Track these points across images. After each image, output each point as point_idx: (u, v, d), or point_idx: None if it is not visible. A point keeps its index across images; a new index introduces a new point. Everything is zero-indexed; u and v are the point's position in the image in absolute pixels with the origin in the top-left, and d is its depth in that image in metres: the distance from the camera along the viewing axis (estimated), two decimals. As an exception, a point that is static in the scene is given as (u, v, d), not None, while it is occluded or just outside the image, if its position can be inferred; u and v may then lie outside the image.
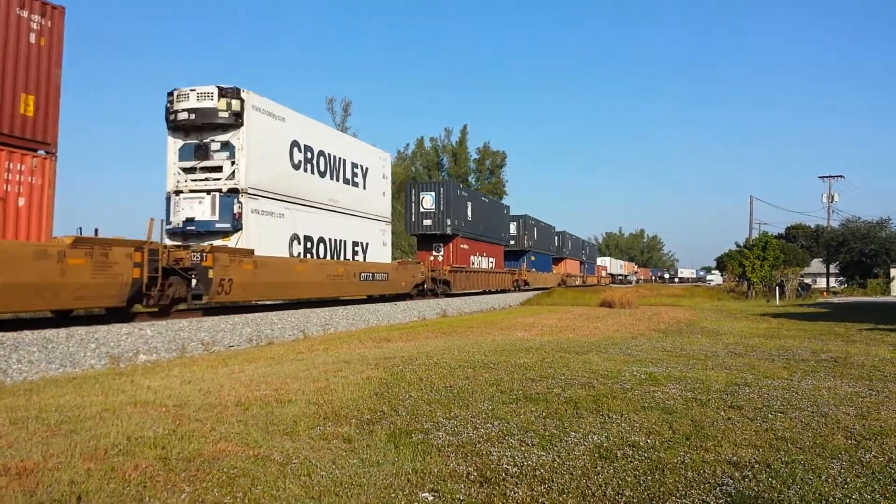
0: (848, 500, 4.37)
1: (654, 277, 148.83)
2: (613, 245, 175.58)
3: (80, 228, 13.42)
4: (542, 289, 50.68)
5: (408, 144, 78.45)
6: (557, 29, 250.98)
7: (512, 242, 48.69)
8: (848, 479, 4.77)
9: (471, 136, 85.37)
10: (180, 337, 13.78)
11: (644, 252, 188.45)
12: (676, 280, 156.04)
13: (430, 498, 4.44)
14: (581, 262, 76.59)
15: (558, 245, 64.85)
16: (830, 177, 67.69)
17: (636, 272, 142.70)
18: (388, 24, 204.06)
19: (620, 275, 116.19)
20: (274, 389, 7.97)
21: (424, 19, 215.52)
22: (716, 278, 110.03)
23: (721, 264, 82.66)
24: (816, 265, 77.48)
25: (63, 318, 14.47)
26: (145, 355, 12.30)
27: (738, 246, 56.85)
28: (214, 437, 5.70)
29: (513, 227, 49.10)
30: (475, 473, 4.92)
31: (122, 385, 8.59)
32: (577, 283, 71.37)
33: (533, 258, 52.86)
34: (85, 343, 11.89)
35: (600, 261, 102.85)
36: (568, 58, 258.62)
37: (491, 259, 41.01)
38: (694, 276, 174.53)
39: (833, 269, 69.97)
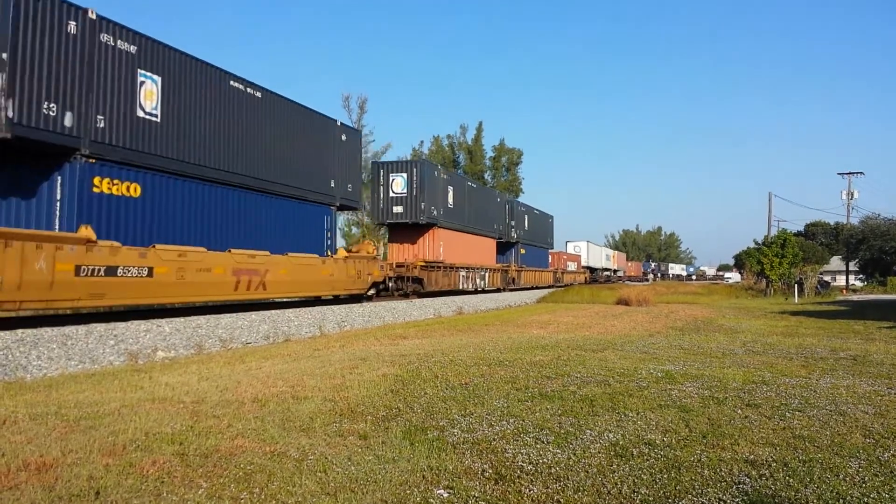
0: (866, 500, 4.33)
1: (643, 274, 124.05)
2: (630, 242, 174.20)
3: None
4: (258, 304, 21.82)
5: (422, 141, 78.38)
6: (573, 23, 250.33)
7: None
8: (866, 478, 4.72)
9: (487, 134, 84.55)
10: (198, 334, 13.90)
11: (661, 249, 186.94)
12: (659, 277, 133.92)
13: (445, 495, 4.44)
14: (511, 246, 46.60)
15: (464, 205, 35.31)
16: (850, 173, 67.10)
17: (653, 267, 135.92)
18: (404, 21, 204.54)
19: (607, 269, 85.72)
20: (290, 386, 8.02)
21: (439, 16, 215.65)
22: (734, 276, 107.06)
23: (739, 262, 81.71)
24: (836, 262, 76.81)
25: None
26: (163, 352, 12.41)
27: (756, 243, 56.37)
28: (231, 434, 5.74)
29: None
30: (490, 471, 4.92)
31: (140, 381, 8.68)
32: (497, 284, 40.33)
33: (282, 211, 20.78)
34: (104, 340, 12.02)
35: (572, 247, 74.72)
36: (585, 55, 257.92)
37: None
38: (684, 272, 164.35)
39: (853, 266, 69.24)
